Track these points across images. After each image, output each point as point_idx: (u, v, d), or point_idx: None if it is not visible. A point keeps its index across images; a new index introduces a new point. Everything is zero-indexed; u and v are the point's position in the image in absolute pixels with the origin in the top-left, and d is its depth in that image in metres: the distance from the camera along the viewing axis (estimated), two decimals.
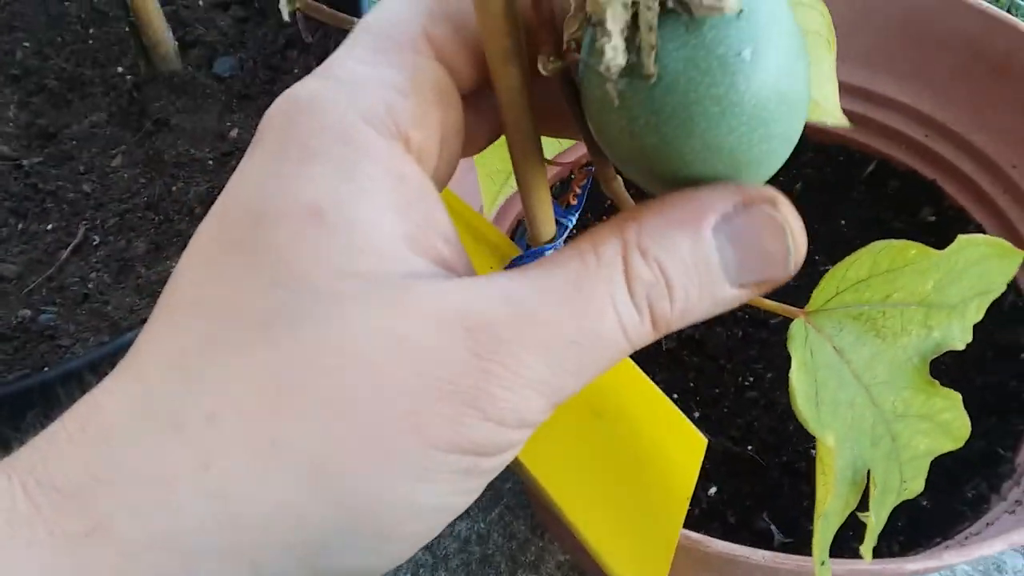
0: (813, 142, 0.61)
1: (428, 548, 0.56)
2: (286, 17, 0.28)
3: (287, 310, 0.16)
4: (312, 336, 0.16)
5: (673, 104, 0.17)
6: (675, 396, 0.52)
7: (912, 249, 0.26)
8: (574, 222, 0.30)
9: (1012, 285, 0.54)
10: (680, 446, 0.23)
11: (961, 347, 0.30)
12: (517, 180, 0.23)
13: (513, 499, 0.59)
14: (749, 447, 0.49)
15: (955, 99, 0.56)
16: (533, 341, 0.16)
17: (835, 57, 0.33)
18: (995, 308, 0.53)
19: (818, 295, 0.27)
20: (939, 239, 0.57)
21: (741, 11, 0.17)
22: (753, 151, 0.18)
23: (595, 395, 0.26)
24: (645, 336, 0.18)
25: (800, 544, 0.45)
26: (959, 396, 0.31)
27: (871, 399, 0.28)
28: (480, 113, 0.21)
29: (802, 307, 0.27)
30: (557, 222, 0.26)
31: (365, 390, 0.16)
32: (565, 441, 0.30)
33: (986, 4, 0.53)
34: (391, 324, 0.16)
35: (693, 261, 0.18)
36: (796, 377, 0.25)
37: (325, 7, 0.29)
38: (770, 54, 0.17)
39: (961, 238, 0.27)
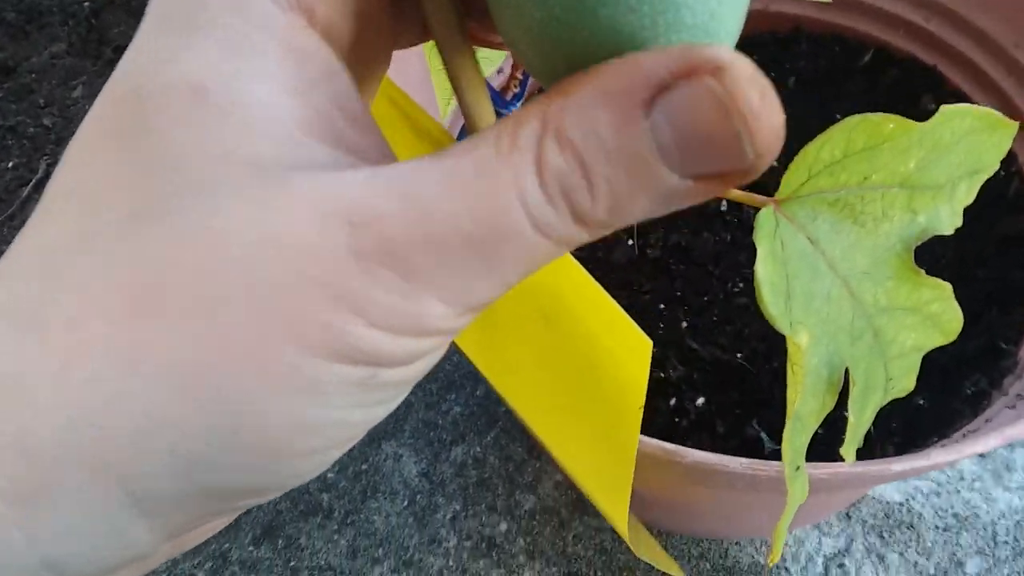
0: (807, 33, 0.58)
1: (424, 474, 0.55)
2: None
3: (159, 200, 0.14)
4: (182, 229, 0.14)
5: None
6: (662, 306, 0.50)
7: (890, 123, 0.23)
8: (519, 104, 0.27)
9: (1016, 171, 0.51)
10: (628, 350, 0.22)
11: (950, 232, 0.28)
12: (445, 66, 0.21)
13: (508, 422, 0.58)
14: (739, 355, 0.48)
15: None
16: (427, 239, 0.14)
17: None
18: (997, 195, 0.51)
19: (788, 180, 0.24)
20: None
21: None
22: (660, 42, 0.15)
23: (544, 298, 0.24)
24: (570, 234, 0.15)
25: None
26: (948, 286, 0.29)
27: (850, 291, 0.26)
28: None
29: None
30: (498, 113, 0.24)
31: (237, 291, 0.14)
32: (518, 347, 0.28)
33: None
34: (268, 217, 0.14)
35: (617, 145, 0.14)
36: (762, 269, 0.22)
37: None
38: None
39: (945, 109, 0.24)
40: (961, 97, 0.54)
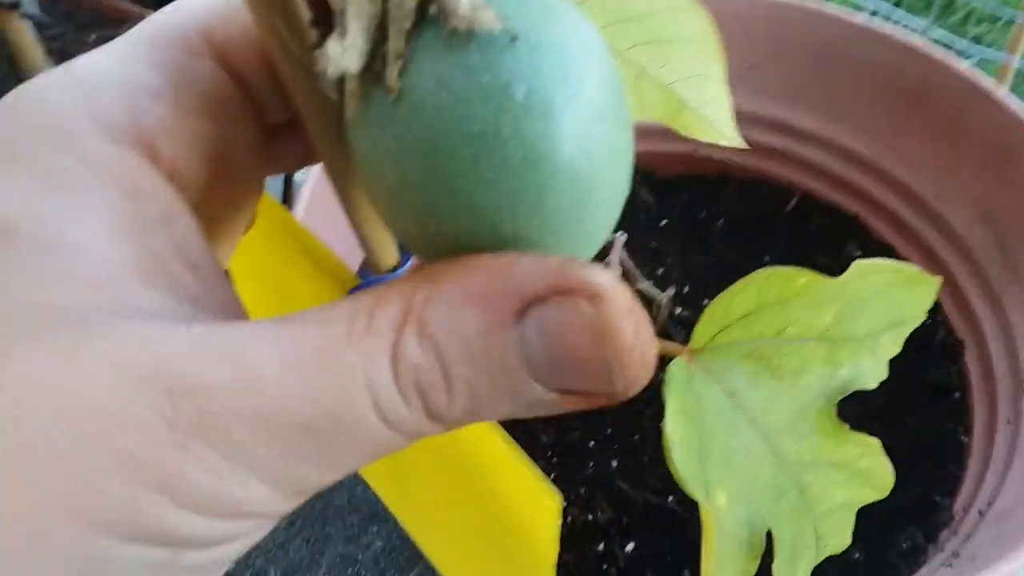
0: (735, 177, 0.59)
1: None
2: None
3: None
4: None
5: (417, 131, 0.13)
6: (591, 444, 0.48)
7: (801, 277, 0.23)
8: None
9: (942, 321, 0.52)
10: (537, 505, 0.20)
11: (873, 386, 0.27)
12: (337, 193, 0.20)
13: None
14: (670, 498, 0.46)
15: (874, 130, 0.54)
16: (252, 417, 0.13)
17: (724, 69, 0.30)
18: (925, 345, 0.51)
19: (701, 331, 0.23)
20: None
21: (515, 38, 0.13)
22: (519, 222, 0.14)
23: (451, 448, 0.22)
24: (421, 429, 0.14)
25: None
26: (877, 442, 0.28)
27: (771, 447, 0.25)
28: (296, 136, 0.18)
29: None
30: (401, 248, 0.22)
31: (15, 458, 0.12)
32: (427, 491, 0.26)
33: (899, 33, 0.51)
34: (69, 373, 0.12)
35: (483, 350, 0.14)
36: (672, 427, 0.21)
37: None
38: (557, 99, 0.13)
39: (859, 264, 0.24)
40: (884, 246, 0.55)
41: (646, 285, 0.47)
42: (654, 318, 0.50)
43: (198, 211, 0.16)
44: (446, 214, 0.14)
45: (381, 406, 0.13)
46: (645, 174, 0.60)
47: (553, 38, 0.13)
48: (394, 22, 0.13)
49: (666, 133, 0.31)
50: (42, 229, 0.13)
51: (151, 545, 0.13)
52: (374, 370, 0.13)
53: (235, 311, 0.16)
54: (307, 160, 0.20)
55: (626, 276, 0.47)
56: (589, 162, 0.13)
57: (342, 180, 0.19)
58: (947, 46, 0.68)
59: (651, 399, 0.51)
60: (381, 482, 0.28)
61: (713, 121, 0.30)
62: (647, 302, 0.50)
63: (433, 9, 0.13)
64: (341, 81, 0.13)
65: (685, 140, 0.29)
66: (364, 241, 0.22)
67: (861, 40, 0.52)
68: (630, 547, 0.45)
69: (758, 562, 0.24)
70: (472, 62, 0.13)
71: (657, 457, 0.48)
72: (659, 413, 0.52)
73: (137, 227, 0.14)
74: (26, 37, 0.58)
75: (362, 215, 0.21)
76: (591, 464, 0.48)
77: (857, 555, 0.44)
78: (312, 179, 0.43)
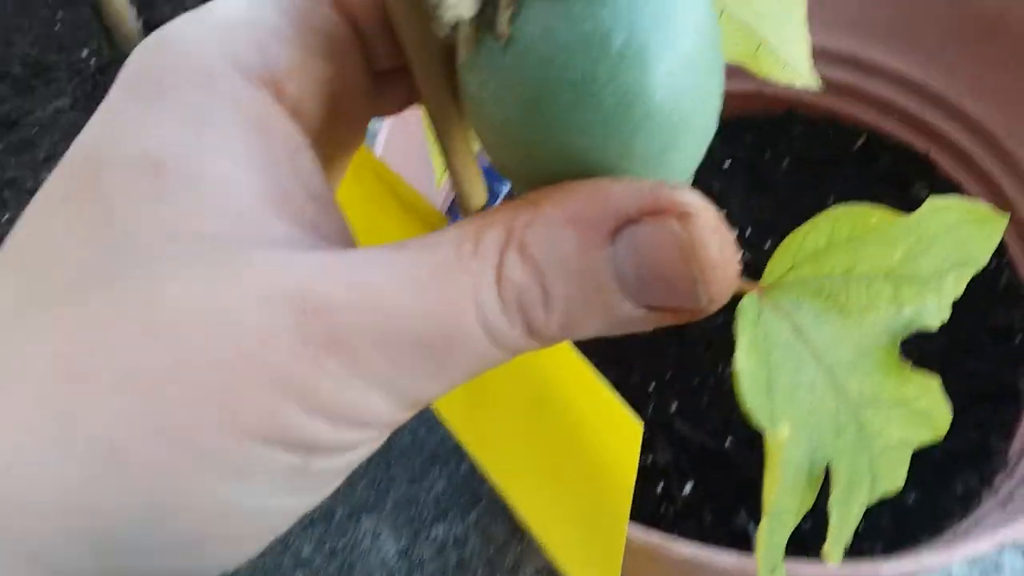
0: (801, 116, 0.59)
1: (402, 553, 0.54)
2: None
3: (105, 269, 0.14)
4: (123, 301, 0.14)
5: (522, 78, 0.14)
6: (652, 386, 0.49)
7: (875, 214, 0.23)
8: (509, 187, 0.27)
9: (1007, 264, 0.51)
10: (620, 434, 0.21)
11: (936, 325, 0.27)
12: (435, 137, 0.21)
13: (492, 501, 0.56)
14: (728, 440, 0.47)
15: (947, 64, 0.53)
16: (375, 334, 0.14)
17: (804, 10, 0.30)
18: (988, 289, 0.50)
19: (773, 268, 0.24)
20: None
21: None
22: (610, 162, 0.15)
23: (536, 378, 0.23)
24: (521, 344, 0.15)
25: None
26: (937, 382, 0.28)
27: (834, 383, 0.26)
28: (403, 72, 0.19)
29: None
30: (489, 188, 0.23)
31: (170, 366, 0.13)
32: (507, 425, 0.28)
33: None
34: (213, 295, 0.14)
35: (579, 268, 0.15)
36: (743, 360, 0.22)
37: None
38: (652, 48, 0.14)
39: (932, 201, 0.24)
40: (953, 185, 0.54)
41: None
42: None
43: (316, 146, 0.17)
44: (545, 152, 0.15)
45: (487, 323, 0.15)
46: None
47: None
48: None
49: (731, 72, 0.31)
50: (187, 164, 0.15)
51: (288, 450, 0.14)
52: (481, 289, 0.14)
53: (349, 239, 0.17)
54: (404, 105, 0.21)
55: None
56: (678, 108, 0.14)
57: (443, 121, 0.20)
58: None
59: (711, 343, 0.52)
60: (455, 411, 0.29)
61: (792, 60, 0.30)
62: None
63: None
64: (455, 27, 0.14)
65: (750, 78, 0.29)
66: (457, 181, 0.22)
67: None
68: (688, 488, 0.46)
69: (815, 494, 0.25)
70: (576, 12, 0.14)
71: (715, 401, 0.48)
72: (717, 358, 0.53)
73: (267, 161, 0.15)
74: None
75: (457, 157, 0.22)
76: (651, 407, 0.49)
77: (911, 498, 0.44)
78: (386, 128, 0.44)
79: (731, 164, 0.58)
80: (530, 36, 0.14)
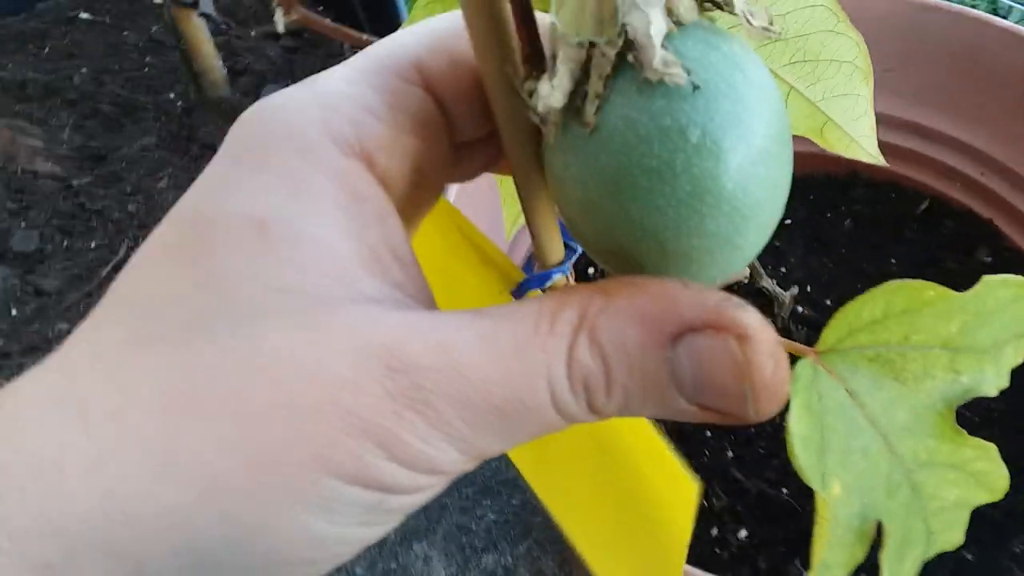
0: (864, 178, 0.59)
1: None
2: (280, 28, 0.28)
3: (211, 317, 0.16)
4: (228, 346, 0.15)
5: (604, 163, 0.16)
6: (708, 434, 0.50)
7: (930, 290, 0.24)
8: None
9: None
10: (677, 489, 0.22)
11: (994, 393, 0.28)
12: (520, 200, 0.22)
13: (542, 533, 0.57)
14: (784, 490, 0.47)
15: (1011, 136, 0.53)
16: (456, 396, 0.15)
17: (871, 89, 0.31)
18: None
19: (829, 334, 0.25)
20: None
21: (696, 87, 0.15)
22: (681, 242, 0.16)
23: (600, 428, 0.24)
24: (583, 418, 0.17)
25: None
26: (993, 447, 0.29)
27: (888, 446, 0.26)
28: (480, 144, 0.21)
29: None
30: (567, 245, 0.25)
31: (269, 408, 0.15)
32: (572, 473, 0.29)
33: None
34: (310, 347, 0.15)
35: (641, 363, 0.16)
36: (796, 422, 0.23)
37: (327, 21, 0.29)
38: (725, 143, 0.15)
39: (987, 279, 0.25)
40: (1017, 252, 0.54)
41: (769, 283, 0.49)
42: (776, 315, 0.51)
43: (401, 212, 0.19)
44: (621, 230, 0.16)
45: (556, 396, 0.16)
46: None
47: (730, 87, 0.15)
48: (596, 68, 0.15)
49: (797, 134, 0.32)
50: (288, 225, 0.16)
51: (367, 489, 0.16)
52: (554, 366, 0.16)
53: (430, 298, 0.19)
54: (480, 172, 0.23)
55: (749, 273, 0.48)
56: (748, 196, 0.16)
57: (528, 189, 0.21)
58: None
59: None
60: (524, 456, 0.31)
61: (857, 138, 0.31)
62: (769, 299, 0.51)
63: (630, 58, 0.15)
64: (547, 113, 0.16)
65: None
66: (536, 239, 0.24)
67: (1003, 43, 0.52)
68: (743, 534, 0.46)
69: (867, 550, 0.26)
70: (657, 107, 0.15)
71: (772, 449, 0.49)
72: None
73: (359, 225, 0.17)
74: (201, 32, 0.64)
75: (539, 218, 0.23)
76: (707, 453, 0.50)
77: (969, 555, 0.44)
78: (455, 186, 0.46)
79: (793, 222, 0.59)
80: (613, 126, 0.15)
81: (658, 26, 0.15)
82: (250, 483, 0.15)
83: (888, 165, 0.31)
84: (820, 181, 0.60)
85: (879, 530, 0.27)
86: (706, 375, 0.16)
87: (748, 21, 0.16)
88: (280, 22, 0.28)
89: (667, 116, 0.15)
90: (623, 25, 0.15)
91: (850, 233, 0.58)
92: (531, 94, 0.16)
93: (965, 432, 0.27)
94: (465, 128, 0.20)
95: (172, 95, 0.76)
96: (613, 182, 0.16)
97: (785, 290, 0.50)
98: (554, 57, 0.16)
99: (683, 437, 0.50)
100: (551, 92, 0.16)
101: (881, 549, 0.27)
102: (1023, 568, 0.43)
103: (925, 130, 0.56)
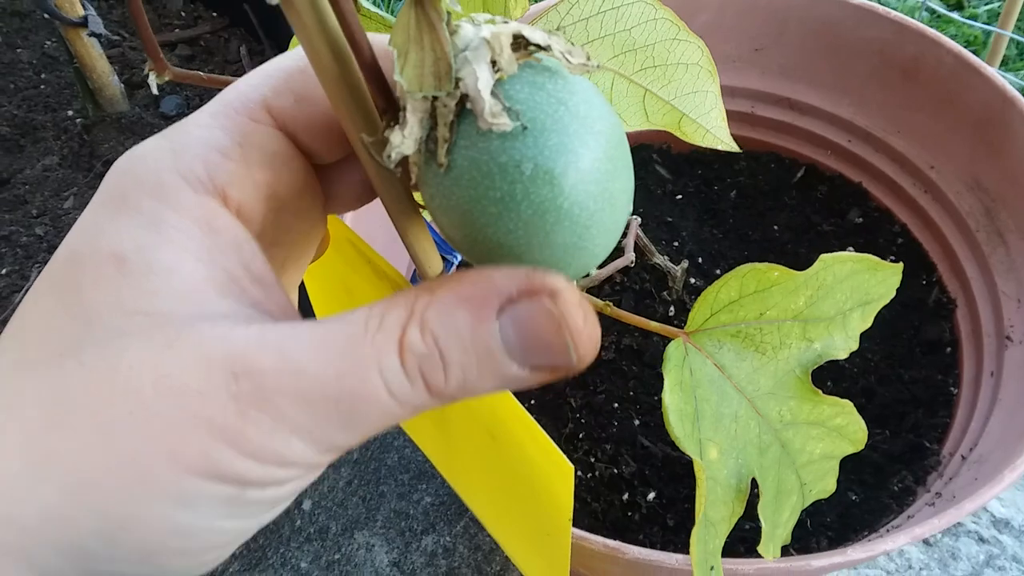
0: (746, 150, 0.63)
1: (395, 563, 0.57)
2: (154, 90, 0.30)
3: (80, 342, 0.18)
4: (92, 366, 0.18)
5: (459, 195, 0.18)
6: (615, 405, 0.53)
7: (775, 271, 0.28)
8: (460, 257, 0.31)
9: (935, 282, 0.56)
10: (555, 472, 0.25)
11: (844, 356, 0.32)
12: (395, 226, 0.25)
13: None
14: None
15: (872, 104, 0.58)
16: (295, 394, 0.18)
17: (719, 85, 0.35)
18: (918, 304, 0.55)
19: (695, 316, 0.28)
20: (867, 239, 0.59)
21: (525, 128, 0.18)
22: (534, 254, 0.19)
23: (489, 418, 0.27)
24: (424, 402, 0.19)
25: (735, 544, 0.47)
26: (849, 403, 0.33)
27: (756, 410, 0.30)
28: (348, 176, 0.24)
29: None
30: (444, 258, 0.27)
31: (127, 417, 0.17)
32: (471, 458, 0.31)
33: (893, 12, 0.55)
34: (161, 361, 0.18)
35: (471, 340, 0.18)
36: (670, 397, 0.26)
37: (200, 73, 0.31)
38: (556, 170, 0.18)
39: (824, 257, 0.28)
40: (885, 213, 0.59)
41: (661, 259, 0.52)
42: (670, 288, 0.55)
43: (263, 238, 0.21)
44: (483, 247, 0.19)
45: (390, 385, 0.18)
46: (660, 151, 0.64)
47: (555, 122, 0.18)
48: (440, 117, 0.18)
49: None
50: (143, 257, 0.19)
51: (224, 483, 0.18)
52: (384, 358, 0.18)
53: (289, 313, 0.21)
54: (360, 203, 0.25)
55: (642, 252, 0.51)
56: (584, 210, 0.19)
57: (399, 218, 0.24)
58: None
59: None
60: (429, 446, 0.33)
61: (711, 129, 0.34)
62: (663, 274, 0.55)
63: (468, 105, 0.18)
64: (404, 159, 0.18)
65: None
66: (415, 258, 0.26)
67: (859, 19, 0.56)
68: (651, 496, 0.50)
69: (744, 505, 0.30)
70: (494, 147, 0.18)
71: None
72: None
73: (214, 253, 0.20)
74: (93, 50, 0.64)
75: (413, 239, 0.26)
76: (615, 423, 0.53)
77: (854, 496, 0.49)
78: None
79: (682, 197, 0.63)
80: (461, 165, 0.18)
81: (485, 80, 0.17)
82: (115, 481, 0.17)
83: (739, 151, 0.35)
84: (707, 157, 0.63)
85: (755, 486, 0.31)
86: (531, 335, 0.18)
87: (567, 60, 0.19)
88: (153, 84, 0.30)
89: (503, 154, 0.18)
90: (457, 79, 0.18)
91: (735, 203, 0.62)
92: (385, 144, 0.19)
93: (821, 392, 0.31)
94: (323, 154, 0.22)
95: (71, 112, 0.75)
96: (468, 211, 0.18)
97: (677, 264, 0.53)
98: (404, 108, 0.18)
99: (593, 410, 0.54)
100: (402, 141, 0.18)
101: (759, 503, 0.31)
102: (901, 504, 0.48)
103: (796, 103, 0.60)
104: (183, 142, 0.20)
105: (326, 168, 0.23)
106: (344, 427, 0.18)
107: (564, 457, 0.24)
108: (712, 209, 0.62)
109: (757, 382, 0.30)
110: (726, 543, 0.30)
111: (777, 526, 0.33)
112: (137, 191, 0.20)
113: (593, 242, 0.19)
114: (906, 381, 0.53)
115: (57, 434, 0.17)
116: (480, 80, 0.17)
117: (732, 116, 0.35)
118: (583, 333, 0.19)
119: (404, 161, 0.20)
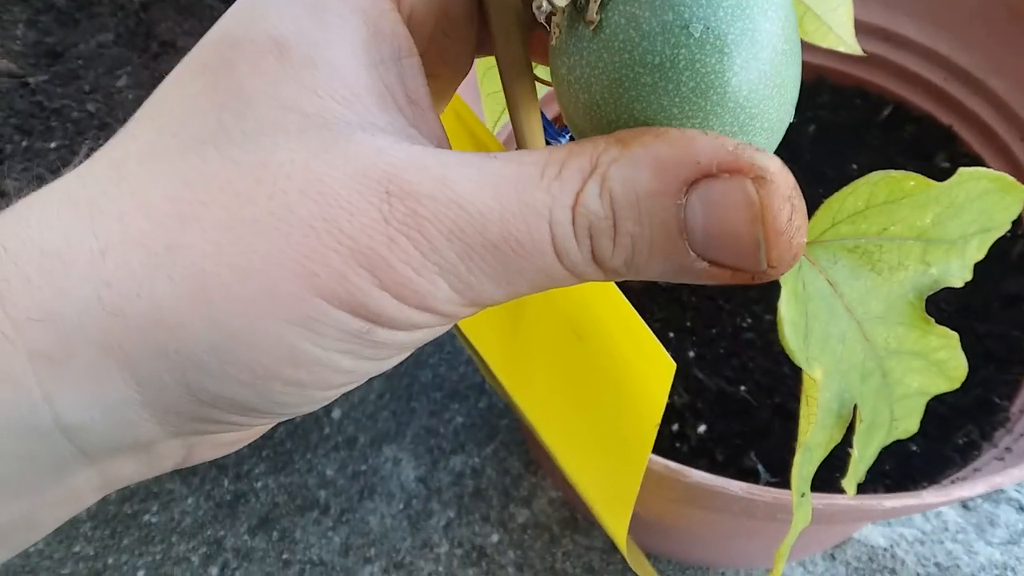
0: (830, 83, 0.60)
1: (421, 479, 0.57)
2: None
3: (225, 132, 0.16)
4: (236, 158, 0.16)
5: (607, 62, 0.16)
6: (671, 335, 0.52)
7: (911, 180, 0.25)
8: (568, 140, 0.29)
9: (1021, 235, 0.53)
10: (652, 370, 0.23)
11: (959, 284, 0.30)
12: (505, 94, 0.23)
13: (508, 436, 0.59)
14: (742, 387, 0.49)
15: (974, 42, 0.54)
16: (451, 227, 0.15)
17: None
18: (1002, 256, 0.53)
19: (814, 225, 0.26)
20: None
21: None
22: None
23: (578, 316, 0.25)
24: (586, 271, 0.17)
25: (785, 484, 0.45)
26: (956, 335, 0.31)
27: (863, 334, 0.28)
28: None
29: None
30: (547, 141, 0.25)
31: (265, 218, 0.15)
32: (543, 356, 0.30)
33: None
34: (313, 165, 0.16)
35: (650, 211, 0.16)
36: (785, 308, 0.24)
37: None
38: (729, 38, 0.15)
39: (962, 171, 0.26)
40: (974, 158, 0.56)
41: None
42: None
43: (422, 58, 0.19)
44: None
45: (557, 241, 0.16)
46: None
47: None
48: None
49: None
50: (307, 50, 0.17)
51: (353, 315, 0.16)
52: (557, 210, 0.16)
53: (444, 144, 0.19)
54: (464, 72, 0.22)
55: None
56: (753, 93, 0.16)
57: (512, 83, 0.22)
58: None
59: (730, 297, 0.55)
60: (492, 345, 0.32)
61: (834, 27, 0.32)
62: None
63: None
64: (551, 12, 0.16)
65: None
66: (517, 128, 0.25)
67: None
68: (702, 428, 0.49)
69: (843, 431, 0.28)
70: (659, 2, 0.15)
71: (732, 349, 0.51)
72: (736, 312, 0.55)
73: (376, 60, 0.17)
74: None
75: (522, 110, 0.24)
76: (670, 354, 0.51)
77: (915, 447, 0.47)
78: None
79: None
80: (616, 23, 0.16)
81: None
82: (237, 289, 0.15)
83: (862, 55, 0.32)
84: None
85: (854, 413, 0.29)
86: (718, 221, 0.15)
87: None
88: None
89: (669, 11, 0.15)
90: None
91: (814, 138, 0.59)
92: None
93: (933, 321, 0.29)
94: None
95: None
96: (616, 81, 0.16)
97: None
98: None
99: None
100: None
101: (854, 432, 0.29)
102: (964, 460, 0.46)
103: (891, 34, 0.57)
104: None
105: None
106: (495, 277, 0.16)
107: (666, 353, 0.22)
108: (787, 142, 0.59)
109: (868, 304, 0.28)
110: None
111: (863, 460, 0.31)
112: None
113: (755, 138, 0.17)
114: (980, 335, 0.51)
115: (185, 227, 0.15)
116: None
117: None
118: (782, 236, 0.16)
119: (546, 21, 0.17)
